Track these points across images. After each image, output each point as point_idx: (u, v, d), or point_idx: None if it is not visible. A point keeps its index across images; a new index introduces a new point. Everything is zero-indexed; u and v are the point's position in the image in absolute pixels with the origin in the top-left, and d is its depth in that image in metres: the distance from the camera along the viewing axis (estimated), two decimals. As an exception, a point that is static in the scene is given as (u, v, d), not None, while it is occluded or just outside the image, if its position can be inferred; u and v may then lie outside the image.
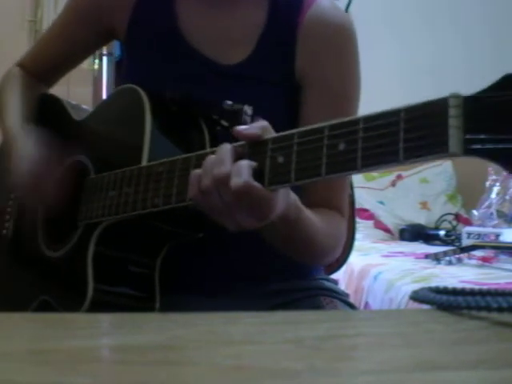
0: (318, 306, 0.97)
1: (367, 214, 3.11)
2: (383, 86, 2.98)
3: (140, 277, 0.91)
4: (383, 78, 3.24)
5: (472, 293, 0.45)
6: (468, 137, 0.52)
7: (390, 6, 3.53)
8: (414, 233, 3.08)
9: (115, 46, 2.89)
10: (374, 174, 3.19)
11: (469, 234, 2.43)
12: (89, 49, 1.12)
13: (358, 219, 2.01)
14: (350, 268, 2.34)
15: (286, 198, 0.73)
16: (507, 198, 2.67)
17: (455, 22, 3.47)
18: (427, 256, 2.34)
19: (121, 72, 1.10)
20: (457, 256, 2.25)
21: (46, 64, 1.10)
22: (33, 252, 0.99)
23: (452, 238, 2.84)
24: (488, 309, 0.41)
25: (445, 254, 2.26)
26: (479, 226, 2.62)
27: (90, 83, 3.18)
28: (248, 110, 0.87)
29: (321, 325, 0.43)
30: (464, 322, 0.43)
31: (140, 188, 0.81)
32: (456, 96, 0.54)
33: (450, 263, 2.23)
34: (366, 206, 3.11)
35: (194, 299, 0.92)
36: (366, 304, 2.15)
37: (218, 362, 0.32)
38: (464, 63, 3.29)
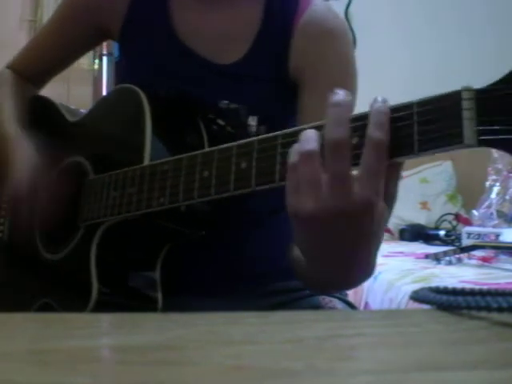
0: (317, 306, 0.97)
1: (367, 214, 3.11)
2: (388, 86, 2.98)
3: (142, 277, 0.91)
4: (388, 77, 3.24)
5: (472, 293, 0.45)
6: (481, 128, 0.54)
7: (395, 6, 3.53)
8: (414, 233, 3.08)
9: (115, 46, 2.89)
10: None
11: (469, 234, 2.43)
12: (81, 49, 1.11)
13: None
14: (350, 268, 2.33)
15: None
16: (507, 197, 2.67)
17: (460, 22, 3.48)
18: (427, 256, 2.34)
19: (117, 71, 1.10)
20: (457, 256, 2.25)
21: (38, 65, 1.10)
22: (31, 255, 0.99)
23: (452, 238, 2.85)
24: (488, 309, 0.41)
25: (445, 254, 2.26)
26: (479, 226, 2.62)
27: (90, 83, 3.19)
28: (243, 109, 0.87)
29: (320, 324, 0.43)
30: (464, 322, 0.43)
31: (144, 187, 0.81)
32: (468, 89, 0.55)
33: (449, 263, 2.23)
34: (366, 206, 3.11)
35: (194, 299, 0.92)
36: (366, 304, 2.15)
37: (218, 362, 0.32)
38: (469, 63, 3.29)
